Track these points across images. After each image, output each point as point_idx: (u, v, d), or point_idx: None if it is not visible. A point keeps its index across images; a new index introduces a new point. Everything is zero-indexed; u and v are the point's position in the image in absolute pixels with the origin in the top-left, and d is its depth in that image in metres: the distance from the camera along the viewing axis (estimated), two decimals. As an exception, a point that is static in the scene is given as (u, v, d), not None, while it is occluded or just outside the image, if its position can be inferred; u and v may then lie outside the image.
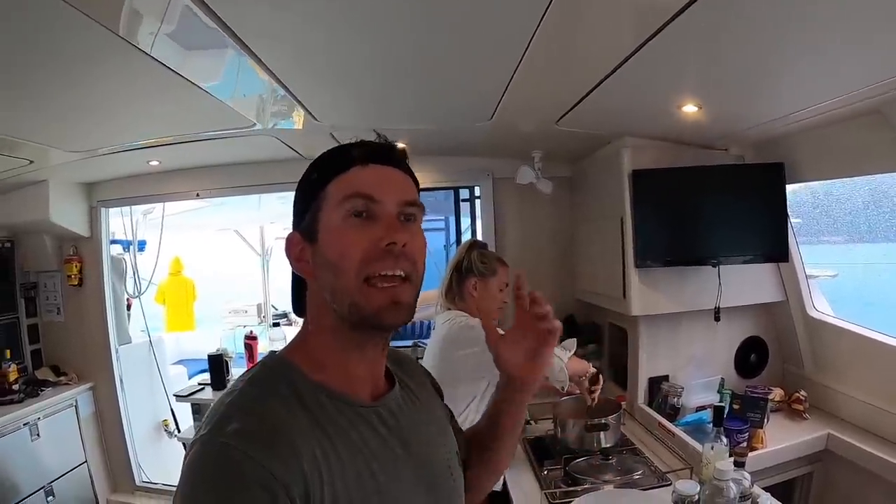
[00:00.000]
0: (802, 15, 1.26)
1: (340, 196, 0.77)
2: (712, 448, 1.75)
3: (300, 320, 0.86)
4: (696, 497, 1.55)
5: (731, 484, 1.47)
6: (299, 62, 1.68)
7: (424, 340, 2.96)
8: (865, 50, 1.44)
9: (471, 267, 2.13)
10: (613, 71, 1.65)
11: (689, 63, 1.63)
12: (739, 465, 1.61)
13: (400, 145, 0.84)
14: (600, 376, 2.25)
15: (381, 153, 0.81)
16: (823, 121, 1.99)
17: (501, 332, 0.94)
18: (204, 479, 0.64)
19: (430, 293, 2.21)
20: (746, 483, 1.60)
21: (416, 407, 0.89)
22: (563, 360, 2.02)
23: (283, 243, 0.84)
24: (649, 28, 1.35)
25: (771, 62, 1.58)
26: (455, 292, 2.15)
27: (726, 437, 1.84)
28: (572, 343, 2.18)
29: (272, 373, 0.77)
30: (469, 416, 1.95)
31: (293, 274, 0.86)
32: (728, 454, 1.70)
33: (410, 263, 0.77)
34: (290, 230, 0.84)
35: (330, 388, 0.76)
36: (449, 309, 2.16)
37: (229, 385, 0.78)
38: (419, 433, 0.85)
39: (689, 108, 1.98)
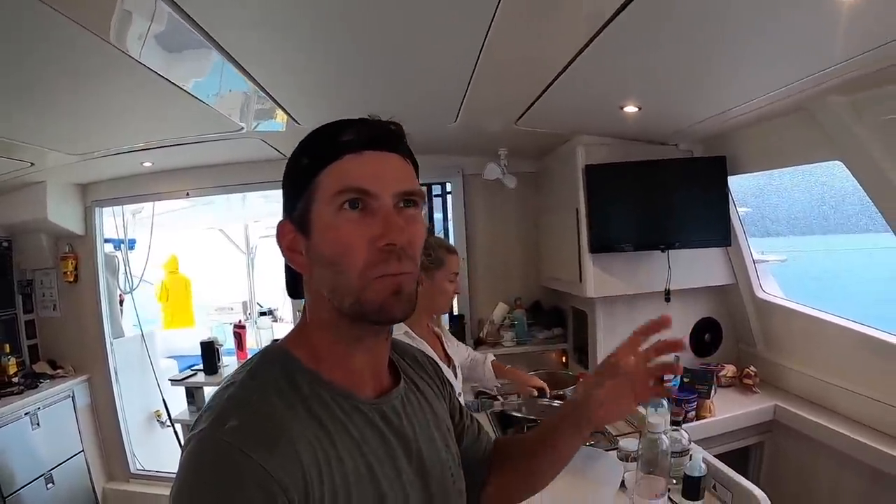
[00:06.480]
0: (727, 17, 1.39)
1: (333, 190, 0.71)
2: (656, 410, 1.94)
3: (287, 317, 0.88)
4: (637, 451, 1.74)
5: (664, 437, 1.65)
6: (281, 72, 1.84)
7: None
8: (790, 49, 1.57)
9: None
10: (561, 73, 1.82)
11: (626, 65, 1.78)
12: (676, 423, 1.82)
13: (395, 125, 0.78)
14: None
15: (376, 138, 0.74)
16: (758, 117, 2.20)
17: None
18: (201, 476, 0.62)
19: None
20: (685, 441, 1.82)
21: (420, 405, 0.86)
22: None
23: (267, 242, 0.84)
24: (589, 31, 1.49)
25: (701, 62, 1.73)
26: None
27: (676, 405, 2.04)
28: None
29: (272, 365, 0.74)
30: None
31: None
32: (669, 416, 1.90)
33: (411, 261, 0.73)
34: (282, 217, 0.78)
35: (330, 383, 0.74)
36: None
37: (230, 375, 0.75)
38: (421, 433, 0.82)
39: (630, 109, 2.16)
